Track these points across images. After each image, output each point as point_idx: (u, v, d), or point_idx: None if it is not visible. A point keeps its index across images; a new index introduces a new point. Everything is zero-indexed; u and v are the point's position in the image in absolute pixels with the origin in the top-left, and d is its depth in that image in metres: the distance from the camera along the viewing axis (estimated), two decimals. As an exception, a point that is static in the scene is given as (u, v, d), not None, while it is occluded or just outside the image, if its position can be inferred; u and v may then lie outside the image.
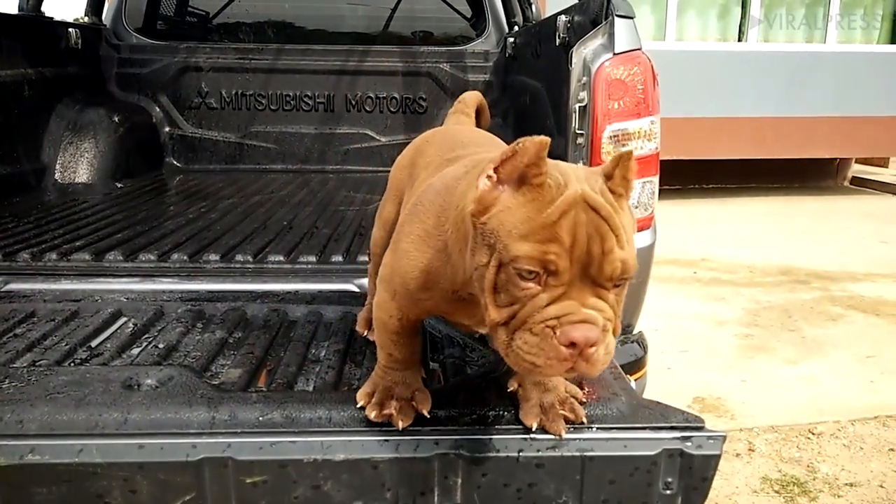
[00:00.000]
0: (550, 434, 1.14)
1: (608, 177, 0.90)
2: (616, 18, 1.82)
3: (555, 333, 0.83)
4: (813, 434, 2.84)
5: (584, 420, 1.16)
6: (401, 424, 1.14)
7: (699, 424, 1.16)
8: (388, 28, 3.89)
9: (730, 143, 7.54)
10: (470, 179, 1.00)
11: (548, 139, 0.85)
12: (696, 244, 5.79)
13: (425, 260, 1.06)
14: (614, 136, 1.85)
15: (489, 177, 0.89)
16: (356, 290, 1.83)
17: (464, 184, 1.02)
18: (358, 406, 1.18)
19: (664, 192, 7.63)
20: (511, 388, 1.22)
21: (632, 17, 1.86)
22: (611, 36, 1.84)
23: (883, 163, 9.67)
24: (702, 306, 4.35)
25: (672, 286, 4.72)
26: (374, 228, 1.57)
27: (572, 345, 0.83)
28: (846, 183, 8.85)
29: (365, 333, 1.56)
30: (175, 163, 3.62)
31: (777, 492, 2.46)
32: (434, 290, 1.08)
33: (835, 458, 2.67)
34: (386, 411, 1.16)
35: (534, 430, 1.14)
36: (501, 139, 1.57)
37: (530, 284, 0.85)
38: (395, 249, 1.13)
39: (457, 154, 1.29)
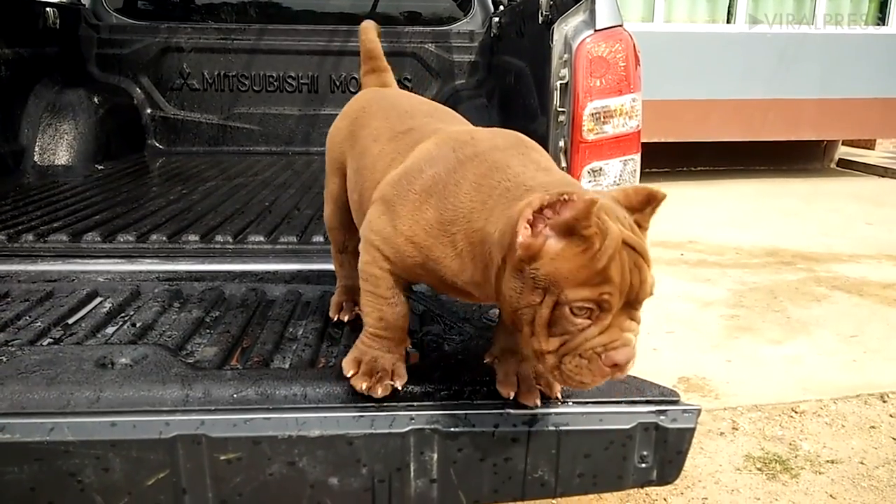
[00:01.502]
0: (524, 405, 1.14)
1: (632, 209, 1.01)
2: (597, -6, 1.81)
3: (601, 358, 0.97)
4: (796, 412, 2.86)
5: (559, 396, 1.16)
6: (380, 392, 1.15)
7: (674, 398, 1.17)
8: (373, 8, 3.84)
9: (718, 126, 7.54)
10: (478, 194, 1.05)
11: (598, 201, 0.92)
12: (683, 226, 5.80)
13: (426, 245, 1.10)
14: (595, 114, 1.83)
15: (530, 223, 0.94)
16: (336, 269, 1.81)
17: (473, 197, 1.05)
18: (347, 375, 1.17)
19: (652, 175, 7.67)
20: (487, 360, 1.22)
21: (613, -7, 1.85)
22: (592, 12, 1.82)
23: (869, 145, 9.71)
24: (688, 287, 4.36)
25: (659, 268, 4.72)
26: (325, 205, 1.58)
27: (615, 364, 0.97)
28: (833, 165, 8.87)
29: (337, 318, 1.55)
30: (157, 145, 3.58)
31: (759, 469, 2.48)
32: (432, 272, 1.12)
33: (817, 436, 2.70)
34: (373, 379, 1.16)
35: (510, 399, 1.14)
36: (486, 120, 1.55)
37: (584, 321, 0.96)
38: (391, 224, 1.13)
39: (408, 126, 1.29)
